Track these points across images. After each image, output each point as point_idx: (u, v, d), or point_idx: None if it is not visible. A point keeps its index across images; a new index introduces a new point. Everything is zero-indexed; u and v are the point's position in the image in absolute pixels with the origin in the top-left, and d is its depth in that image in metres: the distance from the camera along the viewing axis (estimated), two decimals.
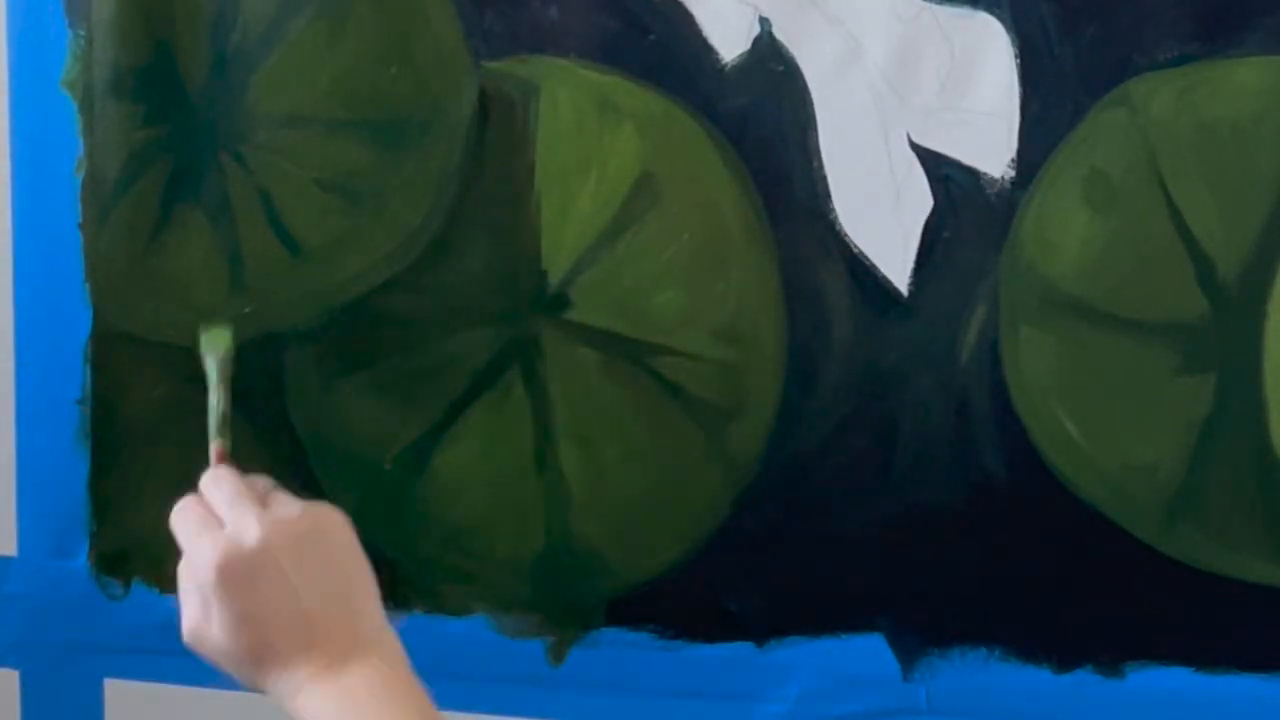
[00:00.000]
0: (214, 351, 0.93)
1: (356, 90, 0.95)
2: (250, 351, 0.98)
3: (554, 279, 0.95)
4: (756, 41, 0.91)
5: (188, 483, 1.00)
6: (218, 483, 0.82)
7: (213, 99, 0.96)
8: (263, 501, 0.80)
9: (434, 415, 0.97)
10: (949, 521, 0.92)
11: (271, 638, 0.77)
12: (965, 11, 0.88)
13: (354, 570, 0.80)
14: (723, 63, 0.91)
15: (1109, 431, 0.90)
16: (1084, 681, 0.92)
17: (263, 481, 0.83)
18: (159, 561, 1.02)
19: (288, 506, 0.80)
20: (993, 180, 0.89)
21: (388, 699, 0.77)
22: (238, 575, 0.77)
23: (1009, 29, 0.88)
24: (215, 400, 0.91)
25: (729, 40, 0.91)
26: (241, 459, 1.01)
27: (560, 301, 0.95)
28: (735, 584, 0.95)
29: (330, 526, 0.81)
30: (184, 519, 0.81)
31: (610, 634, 0.97)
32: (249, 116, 0.96)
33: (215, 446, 0.89)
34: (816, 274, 0.92)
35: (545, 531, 0.97)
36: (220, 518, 0.79)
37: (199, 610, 0.78)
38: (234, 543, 0.77)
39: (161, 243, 0.99)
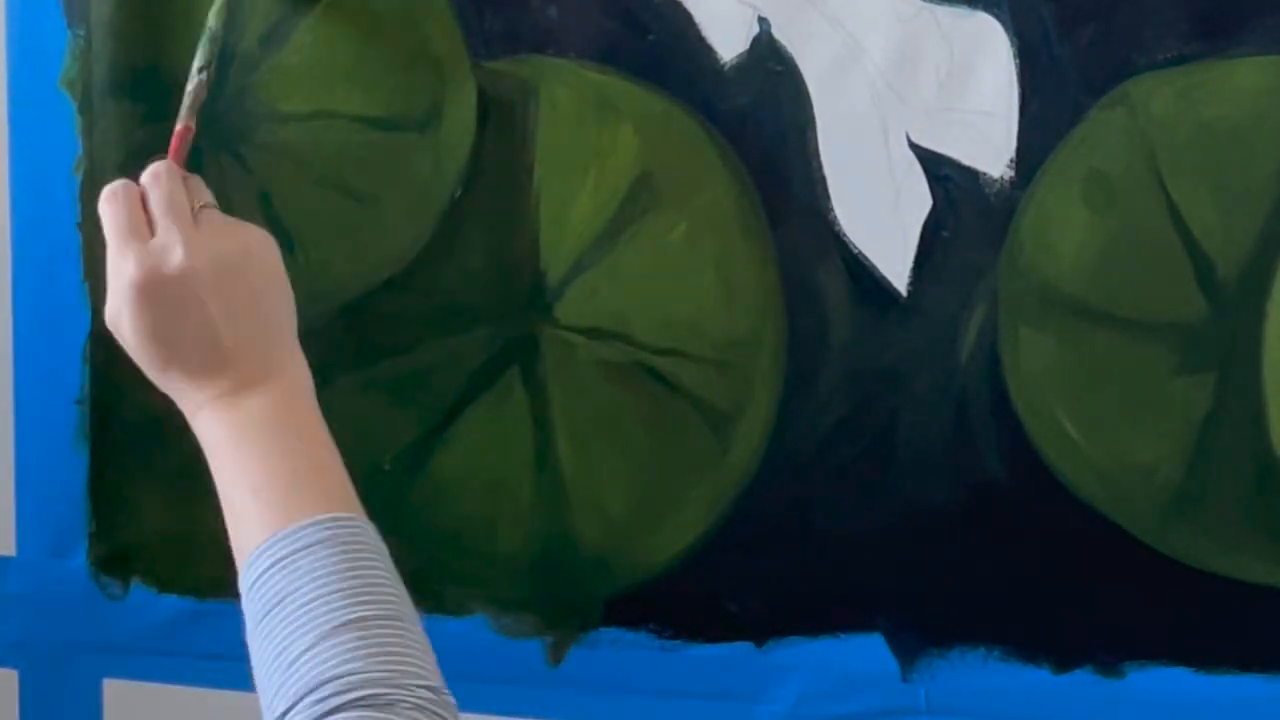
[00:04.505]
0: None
1: (356, 90, 0.95)
2: None
3: (553, 279, 0.95)
4: (756, 41, 0.91)
5: (187, 483, 1.00)
6: (157, 180, 0.81)
7: (212, 99, 0.96)
8: (195, 217, 0.80)
9: (433, 415, 0.97)
10: (949, 521, 0.92)
11: (180, 357, 0.78)
12: (965, 11, 0.88)
13: (275, 299, 0.81)
14: (722, 63, 0.91)
15: (1108, 431, 0.90)
16: (1083, 681, 0.92)
17: (202, 191, 0.83)
18: (158, 561, 1.02)
19: (218, 230, 0.80)
20: (992, 180, 0.89)
21: (279, 427, 0.78)
22: (155, 297, 0.78)
23: (1008, 29, 0.88)
24: (199, 63, 0.87)
25: (728, 40, 0.91)
26: None
27: (559, 301, 0.95)
28: (735, 584, 0.95)
29: (257, 252, 0.81)
30: (115, 212, 0.80)
31: (609, 634, 0.97)
32: (248, 116, 0.96)
33: (181, 124, 0.85)
34: (816, 274, 0.92)
35: (545, 531, 0.97)
36: (151, 222, 0.79)
37: (115, 308, 0.79)
38: (157, 262, 0.78)
39: None
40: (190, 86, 0.88)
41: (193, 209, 0.81)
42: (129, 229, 0.79)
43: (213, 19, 0.90)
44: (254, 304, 0.80)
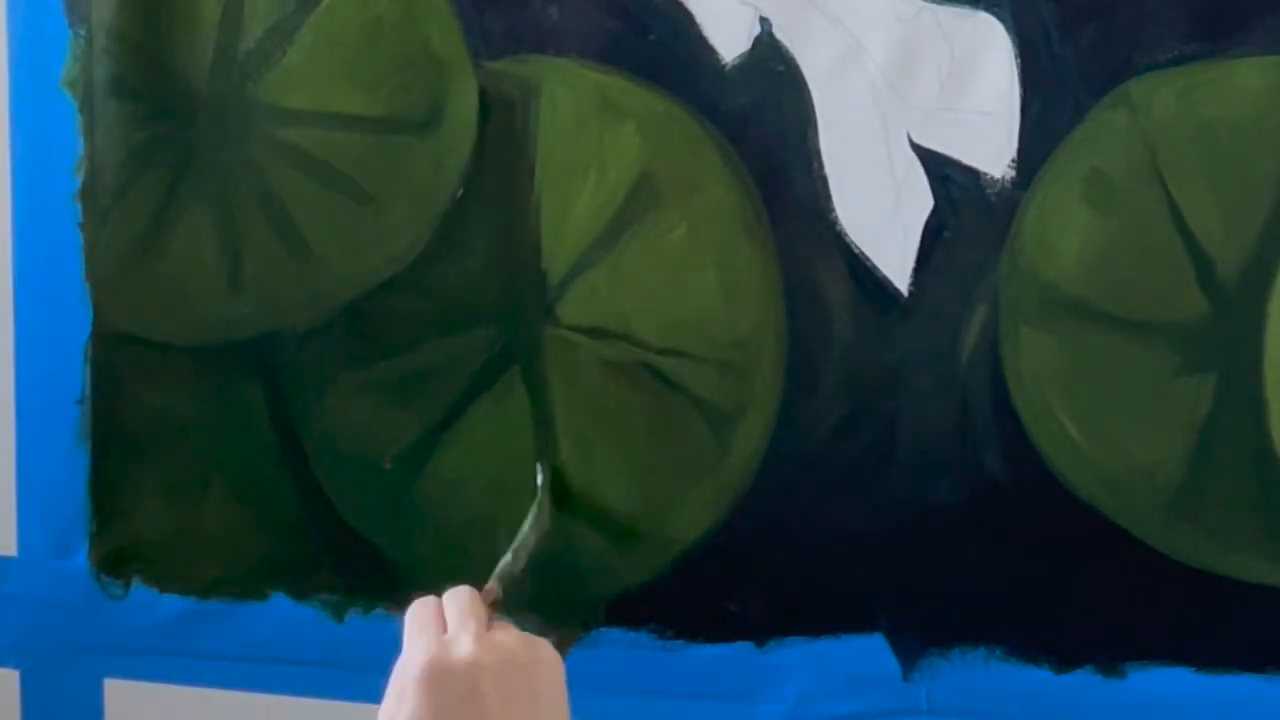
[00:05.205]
0: (540, 504, 0.94)
1: (356, 90, 0.95)
2: (251, 351, 0.98)
3: (554, 279, 0.95)
4: (757, 41, 0.91)
5: (187, 483, 1.00)
6: (456, 595, 0.83)
7: (213, 99, 0.96)
8: (488, 625, 0.82)
9: (434, 415, 0.97)
10: (949, 521, 0.92)
11: None
12: (965, 11, 0.89)
13: (553, 710, 0.81)
14: (723, 63, 0.91)
15: (1109, 431, 0.90)
16: (1084, 681, 0.92)
17: (497, 614, 0.85)
18: (158, 561, 1.02)
19: (509, 633, 0.81)
20: (993, 180, 0.89)
21: None
22: (440, 682, 0.77)
23: (1009, 29, 0.88)
24: (520, 546, 0.92)
25: (729, 40, 0.91)
26: (241, 456, 1.01)
27: (560, 301, 0.95)
28: (735, 584, 0.95)
29: (546, 662, 0.81)
30: (415, 615, 0.82)
31: (610, 634, 0.97)
32: (249, 116, 0.96)
33: (490, 584, 0.89)
34: (816, 274, 0.92)
35: (545, 531, 0.97)
36: (447, 623, 0.81)
37: (399, 690, 0.79)
38: (447, 648, 0.79)
39: (161, 243, 0.99)
40: (499, 569, 0.91)
41: (489, 621, 0.83)
42: (426, 625, 0.81)
43: (531, 537, 0.94)
44: (533, 708, 0.80)
